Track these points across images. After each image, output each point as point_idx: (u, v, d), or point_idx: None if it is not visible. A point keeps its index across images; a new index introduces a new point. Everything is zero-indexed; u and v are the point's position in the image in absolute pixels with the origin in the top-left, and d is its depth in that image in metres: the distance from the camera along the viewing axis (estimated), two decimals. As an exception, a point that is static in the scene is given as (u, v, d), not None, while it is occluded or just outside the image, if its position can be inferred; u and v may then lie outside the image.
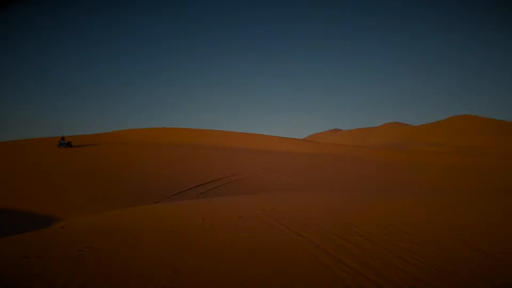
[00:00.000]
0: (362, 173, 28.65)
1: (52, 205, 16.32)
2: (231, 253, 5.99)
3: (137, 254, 6.05)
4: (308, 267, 5.31)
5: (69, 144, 38.58)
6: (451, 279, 4.84)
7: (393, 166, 32.48)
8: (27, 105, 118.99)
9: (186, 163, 30.15)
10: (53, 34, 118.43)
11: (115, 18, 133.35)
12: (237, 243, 6.54)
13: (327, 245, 6.31)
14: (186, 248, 6.29)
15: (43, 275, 5.04)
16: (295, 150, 42.73)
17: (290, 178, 25.49)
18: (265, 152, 39.80)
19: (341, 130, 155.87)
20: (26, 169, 25.40)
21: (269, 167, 29.37)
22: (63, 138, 39.39)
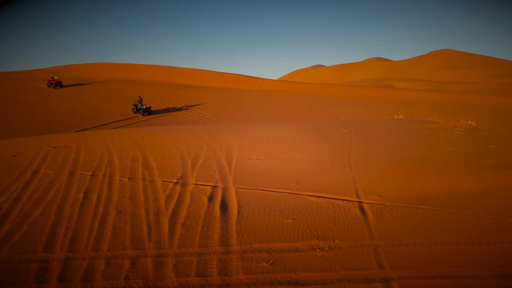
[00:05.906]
0: (286, 108, 28.98)
1: None
2: None
3: None
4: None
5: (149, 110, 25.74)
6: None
7: (332, 102, 32.62)
8: None
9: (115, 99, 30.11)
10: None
11: None
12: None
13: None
14: None
15: None
16: (242, 87, 42.35)
17: (211, 115, 26.04)
18: (207, 89, 39.40)
19: (323, 66, 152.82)
20: None
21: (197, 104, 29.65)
22: (141, 101, 26.22)
